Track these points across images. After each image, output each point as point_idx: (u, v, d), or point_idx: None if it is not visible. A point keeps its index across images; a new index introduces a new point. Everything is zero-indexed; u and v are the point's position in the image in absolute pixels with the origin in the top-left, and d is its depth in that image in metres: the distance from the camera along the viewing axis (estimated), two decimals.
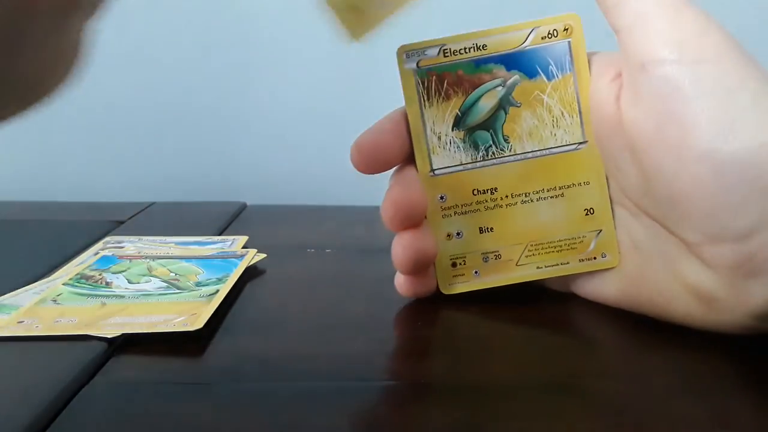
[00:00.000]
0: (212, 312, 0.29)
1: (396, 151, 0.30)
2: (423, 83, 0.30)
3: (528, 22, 0.30)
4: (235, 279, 0.33)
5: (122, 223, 0.46)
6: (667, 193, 0.26)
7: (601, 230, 0.31)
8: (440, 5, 0.49)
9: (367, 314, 0.31)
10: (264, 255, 0.37)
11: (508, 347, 0.28)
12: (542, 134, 0.31)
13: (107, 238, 0.41)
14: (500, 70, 0.30)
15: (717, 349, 0.27)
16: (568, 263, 0.31)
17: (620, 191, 0.30)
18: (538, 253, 0.31)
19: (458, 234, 0.31)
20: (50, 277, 0.34)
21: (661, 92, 0.26)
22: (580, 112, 0.30)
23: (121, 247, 0.39)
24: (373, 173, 0.30)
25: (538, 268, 0.31)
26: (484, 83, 0.30)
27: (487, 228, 0.31)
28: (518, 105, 0.31)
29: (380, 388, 0.25)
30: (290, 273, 0.36)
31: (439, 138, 0.31)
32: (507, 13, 0.33)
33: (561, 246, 0.31)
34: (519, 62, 0.30)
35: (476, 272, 0.32)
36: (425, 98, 0.31)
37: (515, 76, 0.30)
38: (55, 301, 0.31)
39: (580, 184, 0.31)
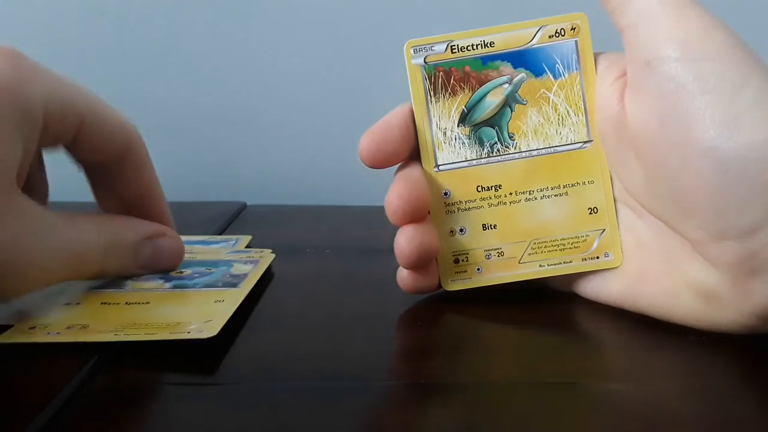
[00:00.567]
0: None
1: (402, 146, 0.30)
2: (430, 79, 0.30)
3: (536, 21, 0.30)
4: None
5: None
6: (670, 191, 0.26)
7: (604, 229, 0.31)
8: (449, 2, 0.49)
9: (367, 314, 0.31)
10: (273, 255, 0.37)
11: (509, 347, 0.28)
12: (547, 132, 0.31)
13: None
14: (507, 68, 0.30)
15: (718, 349, 0.26)
16: (570, 262, 0.31)
17: (624, 190, 0.30)
18: (541, 252, 0.31)
19: (461, 230, 0.31)
20: None
21: (665, 89, 0.26)
22: (585, 111, 0.30)
23: None
24: (379, 167, 0.30)
25: (540, 266, 0.31)
26: (490, 80, 0.30)
27: (491, 225, 0.31)
28: (524, 102, 0.31)
29: (380, 388, 0.25)
30: (290, 273, 0.36)
31: (445, 134, 0.31)
32: (515, 11, 0.33)
33: (564, 244, 0.31)
34: (526, 60, 0.30)
35: (478, 269, 0.31)
36: (432, 94, 0.31)
37: (522, 74, 0.30)
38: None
39: (584, 182, 0.31)
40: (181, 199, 0.53)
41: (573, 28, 0.30)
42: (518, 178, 0.31)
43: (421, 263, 0.30)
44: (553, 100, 0.30)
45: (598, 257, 0.31)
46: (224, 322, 0.28)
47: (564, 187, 0.31)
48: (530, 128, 0.31)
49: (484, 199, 0.31)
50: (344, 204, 0.50)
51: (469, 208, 0.31)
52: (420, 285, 0.31)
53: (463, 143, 0.31)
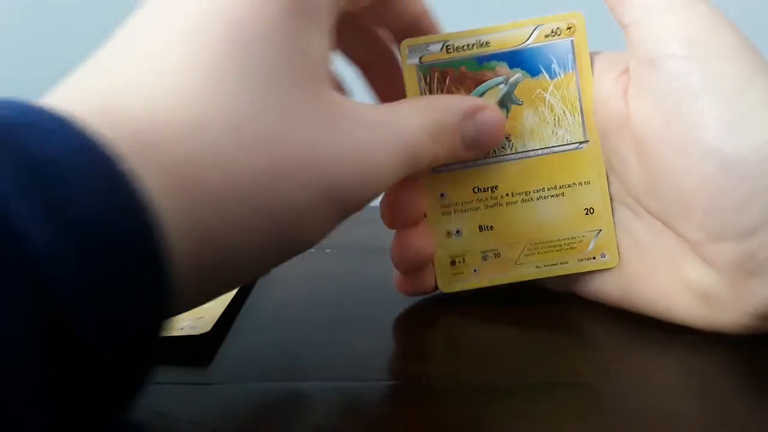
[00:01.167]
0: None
1: None
2: (425, 79, 0.30)
3: (531, 20, 0.30)
4: None
5: None
6: (671, 190, 0.26)
7: (600, 230, 0.31)
8: (444, 1, 0.48)
9: (367, 314, 0.31)
10: None
11: (508, 347, 0.28)
12: (544, 133, 0.31)
13: None
14: (503, 68, 0.30)
15: (717, 349, 0.26)
16: (567, 263, 0.31)
17: (623, 189, 0.30)
18: (538, 252, 0.31)
19: (458, 232, 0.31)
20: None
21: (670, 88, 0.26)
22: (581, 111, 0.30)
23: None
24: None
25: (537, 267, 0.31)
26: (486, 80, 0.30)
27: (487, 226, 0.31)
28: (520, 103, 0.30)
29: (380, 388, 0.25)
30: (290, 273, 0.36)
31: None
32: (511, 10, 0.33)
33: (560, 245, 0.31)
34: (522, 60, 0.30)
35: (475, 270, 0.31)
36: (427, 94, 0.30)
37: (518, 74, 0.30)
38: None
39: (580, 183, 0.31)
40: None
41: (569, 27, 0.30)
42: (514, 179, 0.31)
43: (416, 267, 0.30)
44: (549, 101, 0.30)
45: (594, 258, 0.31)
46: (216, 318, 0.28)
47: (560, 188, 0.31)
48: (526, 129, 0.31)
49: (480, 200, 0.31)
50: None
51: (465, 209, 0.31)
52: (416, 288, 0.31)
53: None
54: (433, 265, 0.31)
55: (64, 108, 0.18)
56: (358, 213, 0.46)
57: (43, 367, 0.15)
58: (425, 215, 0.31)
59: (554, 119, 0.30)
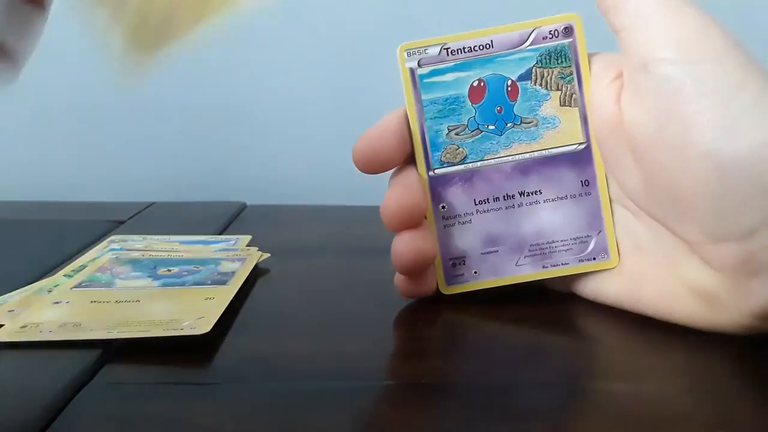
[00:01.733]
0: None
1: (396, 151, 0.30)
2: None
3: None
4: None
5: (122, 223, 0.45)
6: (668, 193, 0.26)
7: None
8: (442, 4, 0.49)
9: (367, 314, 0.31)
10: (268, 254, 0.37)
11: (508, 347, 0.28)
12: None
13: (112, 237, 0.41)
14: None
15: (717, 349, 0.26)
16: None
17: (621, 191, 0.30)
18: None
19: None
20: (53, 277, 0.34)
21: (663, 92, 0.26)
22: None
23: (128, 244, 0.39)
24: (374, 173, 0.30)
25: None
26: None
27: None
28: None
29: (380, 388, 0.25)
30: (290, 273, 0.36)
31: None
32: (508, 12, 0.33)
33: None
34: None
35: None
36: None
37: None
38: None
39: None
40: (181, 199, 0.53)
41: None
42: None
43: (418, 269, 0.30)
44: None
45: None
46: (216, 318, 0.28)
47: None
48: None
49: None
50: (344, 204, 0.50)
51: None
52: (417, 290, 0.31)
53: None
54: (434, 267, 0.31)
55: None
56: (357, 213, 0.46)
57: None
58: (425, 217, 0.31)
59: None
